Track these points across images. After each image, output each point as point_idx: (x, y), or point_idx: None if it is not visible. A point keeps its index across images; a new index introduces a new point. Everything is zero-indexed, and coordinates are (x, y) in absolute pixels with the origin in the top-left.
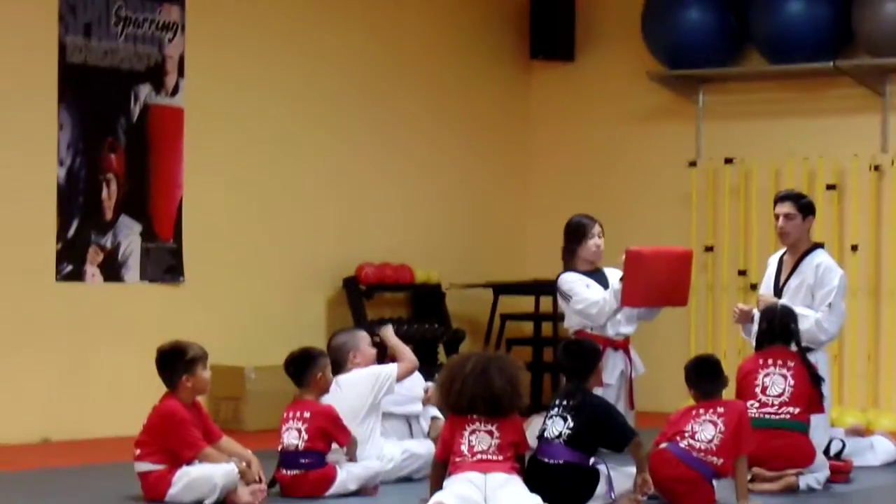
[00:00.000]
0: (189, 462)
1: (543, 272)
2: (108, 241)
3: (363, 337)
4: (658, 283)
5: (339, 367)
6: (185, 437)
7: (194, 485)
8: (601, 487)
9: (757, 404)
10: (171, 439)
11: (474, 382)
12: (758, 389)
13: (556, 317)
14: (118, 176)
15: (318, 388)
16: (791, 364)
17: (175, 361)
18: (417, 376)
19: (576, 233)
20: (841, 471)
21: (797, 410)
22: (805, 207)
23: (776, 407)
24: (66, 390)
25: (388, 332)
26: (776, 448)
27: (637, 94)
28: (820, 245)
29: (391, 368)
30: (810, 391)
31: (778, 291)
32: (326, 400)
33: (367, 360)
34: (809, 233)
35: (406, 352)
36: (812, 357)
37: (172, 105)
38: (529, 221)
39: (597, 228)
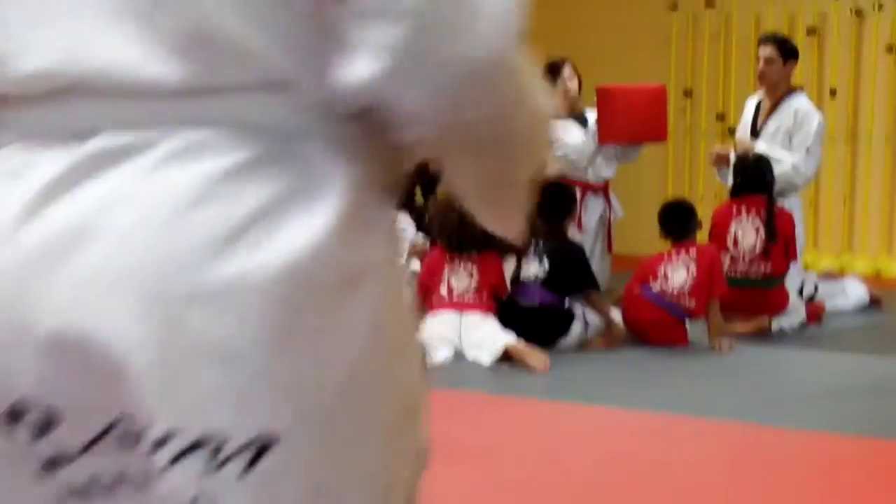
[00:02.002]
0: None
1: None
2: None
3: None
4: (631, 118)
5: None
6: None
7: None
8: (577, 326)
9: (729, 259)
10: None
11: (459, 216)
12: (730, 241)
13: None
14: None
15: None
16: (763, 215)
17: None
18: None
19: (546, 76)
20: (813, 314)
21: (769, 267)
22: (788, 51)
23: (747, 264)
24: None
25: None
26: (748, 300)
27: None
28: (799, 89)
29: None
30: (781, 243)
31: (755, 134)
32: None
33: None
34: (790, 77)
35: None
36: (786, 202)
37: None
38: None
39: (566, 72)
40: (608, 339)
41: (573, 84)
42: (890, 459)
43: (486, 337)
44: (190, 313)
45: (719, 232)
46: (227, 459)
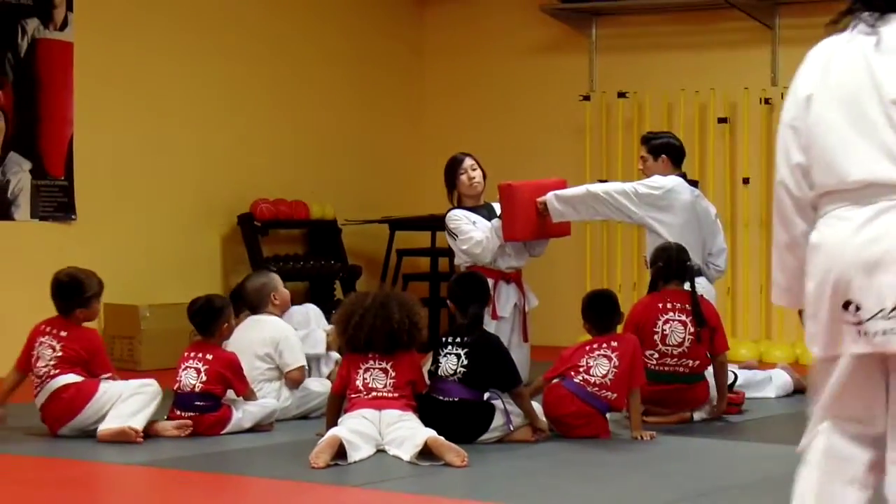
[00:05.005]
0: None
1: (439, 207)
2: None
3: (278, 279)
4: (534, 214)
5: (258, 307)
6: (104, 362)
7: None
8: (498, 420)
9: (657, 355)
10: (92, 362)
11: (374, 315)
12: (657, 338)
13: (452, 252)
14: (6, 112)
15: (222, 337)
16: (689, 308)
17: (73, 295)
18: (320, 317)
19: (449, 170)
20: (732, 402)
21: (696, 363)
22: (654, 148)
23: (676, 358)
24: None
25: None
26: (675, 395)
27: (530, 27)
28: (693, 182)
29: (301, 362)
30: (706, 337)
31: None
32: (241, 332)
33: (284, 301)
34: (666, 170)
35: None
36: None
37: (61, 39)
38: (425, 156)
39: (468, 162)
40: (534, 432)
41: (477, 174)
42: None
43: (406, 433)
44: None
45: (646, 331)
46: (892, 316)
